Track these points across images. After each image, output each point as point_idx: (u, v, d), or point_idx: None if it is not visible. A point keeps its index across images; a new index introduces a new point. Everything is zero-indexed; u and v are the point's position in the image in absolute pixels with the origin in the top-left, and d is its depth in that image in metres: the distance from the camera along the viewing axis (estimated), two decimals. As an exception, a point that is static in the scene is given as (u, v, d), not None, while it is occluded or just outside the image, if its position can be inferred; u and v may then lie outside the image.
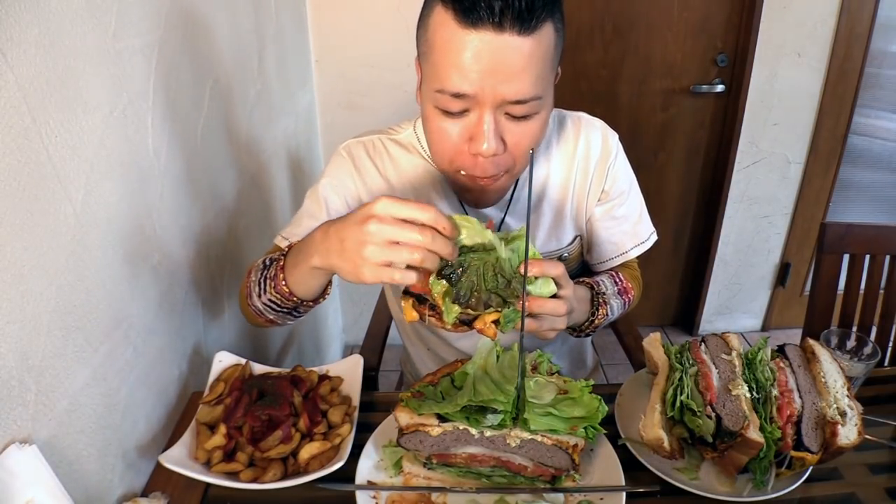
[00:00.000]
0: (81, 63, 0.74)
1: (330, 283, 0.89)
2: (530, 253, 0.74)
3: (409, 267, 0.70)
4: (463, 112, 0.80)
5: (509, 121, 0.80)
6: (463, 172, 0.86)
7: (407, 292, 0.77)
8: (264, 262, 0.92)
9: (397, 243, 0.68)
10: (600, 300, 0.99)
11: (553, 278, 0.78)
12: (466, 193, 0.96)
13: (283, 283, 0.85)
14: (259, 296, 0.90)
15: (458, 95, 0.77)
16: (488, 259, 0.75)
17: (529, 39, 0.74)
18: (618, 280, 1.07)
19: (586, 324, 0.99)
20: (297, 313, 0.93)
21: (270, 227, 1.60)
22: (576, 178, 1.03)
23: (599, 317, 0.98)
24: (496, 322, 0.75)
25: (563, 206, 1.04)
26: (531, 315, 0.77)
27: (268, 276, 0.88)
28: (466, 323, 0.76)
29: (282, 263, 0.85)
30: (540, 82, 0.78)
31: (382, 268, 0.69)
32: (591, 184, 1.04)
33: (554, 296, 0.79)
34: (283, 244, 0.98)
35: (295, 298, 0.86)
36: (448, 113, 0.80)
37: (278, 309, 0.91)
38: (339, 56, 2.09)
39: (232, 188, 1.30)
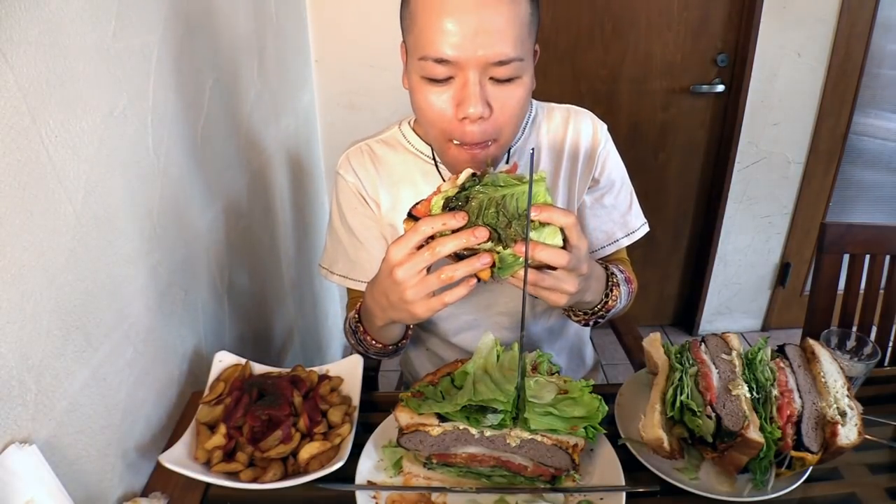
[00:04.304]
0: (81, 63, 0.74)
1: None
2: (541, 198, 0.71)
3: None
4: (448, 79, 0.82)
5: (494, 85, 0.82)
6: (456, 142, 0.86)
7: (410, 216, 0.74)
8: (350, 325, 1.03)
9: (427, 270, 0.74)
10: (614, 280, 0.97)
11: (561, 228, 0.73)
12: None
13: (373, 341, 0.98)
14: (367, 352, 1.04)
15: (441, 61, 0.79)
16: (494, 195, 0.71)
17: (506, 1, 0.77)
18: (622, 269, 1.06)
19: (599, 305, 0.96)
20: (401, 349, 1.06)
21: (270, 226, 1.60)
22: (565, 166, 1.05)
23: (613, 298, 0.96)
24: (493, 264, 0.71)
25: (553, 193, 1.05)
26: (534, 266, 0.73)
27: (360, 339, 1.00)
28: (459, 258, 0.73)
29: (362, 328, 0.98)
30: (520, 44, 0.80)
31: (429, 300, 0.75)
32: (581, 172, 1.05)
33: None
34: (331, 276, 1.11)
35: (389, 347, 1.00)
36: (434, 81, 0.82)
37: (384, 355, 1.05)
38: (339, 56, 2.09)
39: (232, 188, 1.30)
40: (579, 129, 1.04)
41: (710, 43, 2.18)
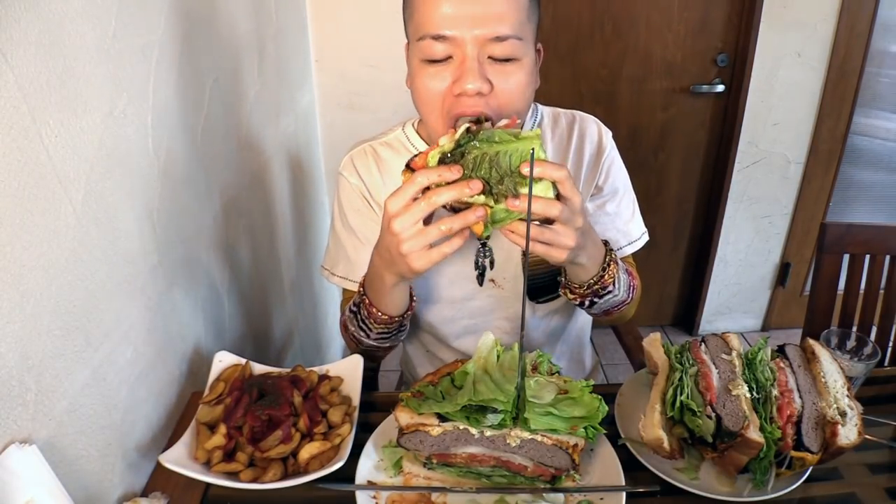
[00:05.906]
0: (81, 63, 0.74)
1: (411, 288, 0.97)
2: (536, 154, 0.72)
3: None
4: (447, 59, 0.83)
5: (493, 64, 0.83)
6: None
7: (408, 167, 0.76)
8: (350, 310, 1.01)
9: (426, 223, 0.75)
10: (612, 257, 0.92)
11: (554, 182, 0.73)
12: None
13: (379, 313, 0.94)
14: (368, 337, 1.01)
15: (439, 37, 0.81)
16: (488, 151, 0.73)
17: None
18: (623, 264, 1.05)
19: (595, 278, 0.91)
20: (403, 327, 1.02)
21: (270, 226, 1.60)
22: (570, 171, 1.03)
23: (609, 275, 0.91)
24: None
25: None
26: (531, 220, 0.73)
27: (363, 317, 0.97)
28: (455, 211, 0.75)
29: (367, 300, 0.95)
30: (517, 24, 0.82)
31: (427, 252, 0.77)
32: (585, 177, 1.05)
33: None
34: (332, 277, 1.11)
35: (395, 318, 0.96)
36: (433, 62, 0.84)
37: (388, 335, 1.01)
38: (339, 56, 2.09)
39: (232, 188, 1.30)
40: (585, 134, 1.05)
41: (710, 43, 2.18)
